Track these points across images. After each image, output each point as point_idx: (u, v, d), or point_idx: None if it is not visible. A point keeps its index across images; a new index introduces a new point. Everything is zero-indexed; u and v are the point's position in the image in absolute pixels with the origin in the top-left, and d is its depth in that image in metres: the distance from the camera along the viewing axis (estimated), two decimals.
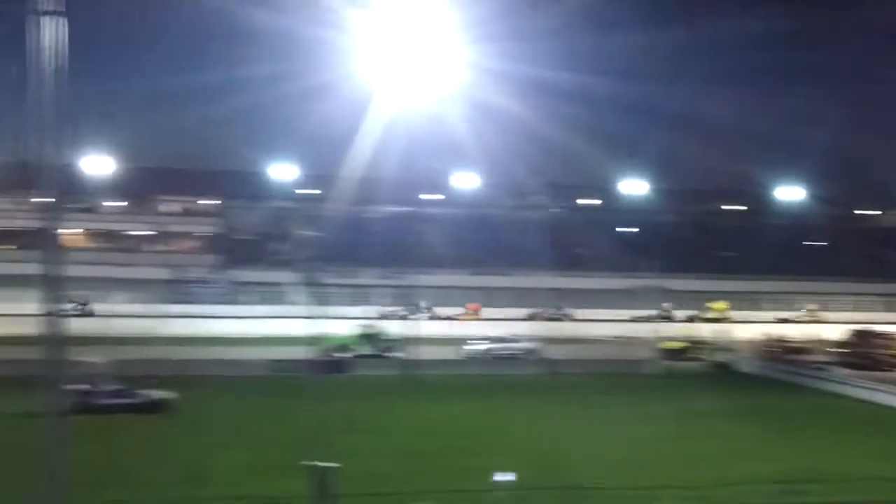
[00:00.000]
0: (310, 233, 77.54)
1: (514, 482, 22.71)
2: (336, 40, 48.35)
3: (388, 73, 48.14)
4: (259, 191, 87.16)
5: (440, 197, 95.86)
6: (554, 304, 74.55)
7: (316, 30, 50.69)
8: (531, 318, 72.31)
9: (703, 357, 57.53)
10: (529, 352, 55.92)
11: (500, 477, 22.65)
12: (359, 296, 70.86)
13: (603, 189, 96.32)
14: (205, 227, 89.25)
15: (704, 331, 64.07)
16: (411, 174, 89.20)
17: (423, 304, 69.33)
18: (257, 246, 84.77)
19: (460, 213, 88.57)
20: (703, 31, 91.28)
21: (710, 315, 74.72)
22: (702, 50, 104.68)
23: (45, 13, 15.37)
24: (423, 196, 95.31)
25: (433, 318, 68.42)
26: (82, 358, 34.70)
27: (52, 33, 15.34)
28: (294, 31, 54.20)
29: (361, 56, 47.61)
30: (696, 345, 59.02)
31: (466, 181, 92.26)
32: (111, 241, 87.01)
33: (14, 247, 79.02)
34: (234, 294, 72.18)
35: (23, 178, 64.95)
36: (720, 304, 76.16)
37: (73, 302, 62.89)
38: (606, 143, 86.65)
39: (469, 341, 56.52)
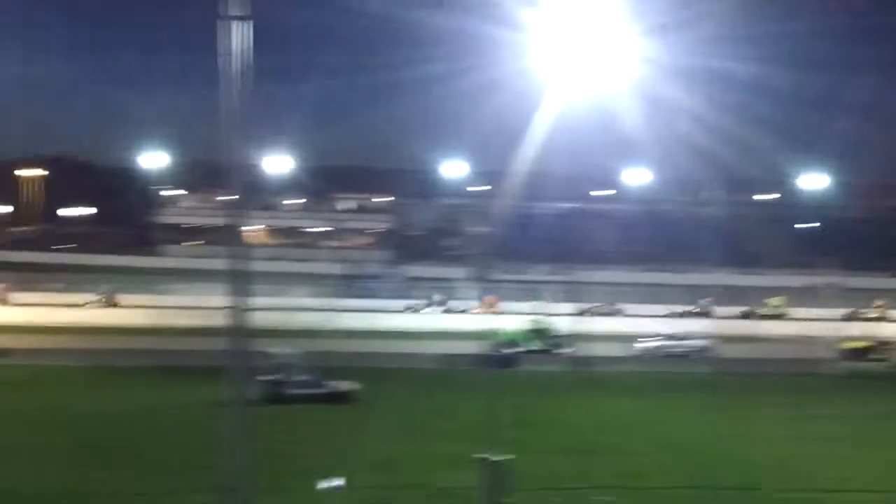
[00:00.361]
0: (480, 229, 78.17)
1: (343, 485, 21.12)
2: (507, 36, 48.43)
3: (560, 68, 47.83)
4: (431, 187, 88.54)
5: (611, 193, 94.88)
6: (606, 300, 71.49)
7: (487, 27, 50.94)
8: (582, 313, 69.70)
9: (889, 357, 54.68)
10: (703, 349, 54.55)
11: (325, 484, 21.39)
12: (529, 292, 70.83)
13: (781, 183, 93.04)
14: (378, 224, 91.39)
15: (891, 330, 60.75)
16: (582, 170, 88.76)
17: (437, 297, 69.42)
18: (429, 242, 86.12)
19: (632, 209, 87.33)
20: (887, 17, 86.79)
21: (765, 311, 71.04)
22: (887, 37, 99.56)
23: (233, 18, 15.97)
24: (593, 192, 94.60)
25: (448, 311, 68.67)
26: (274, 349, 36.18)
27: (238, 37, 15.92)
28: (465, 29, 54.68)
29: (533, 51, 47.53)
30: (882, 345, 56.11)
31: (638, 177, 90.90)
32: (290, 238, 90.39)
33: (202, 242, 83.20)
34: (406, 289, 73.38)
35: (211, 178, 68.38)
36: (776, 300, 72.30)
37: (101, 294, 65.93)
38: (785, 136, 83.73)
39: (640, 338, 55.66)
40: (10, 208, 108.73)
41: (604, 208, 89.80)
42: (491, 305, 68.92)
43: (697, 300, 70.89)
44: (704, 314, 69.34)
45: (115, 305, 64.65)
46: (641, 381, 45.72)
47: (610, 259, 76.86)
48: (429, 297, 69.07)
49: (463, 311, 67.22)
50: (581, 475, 26.55)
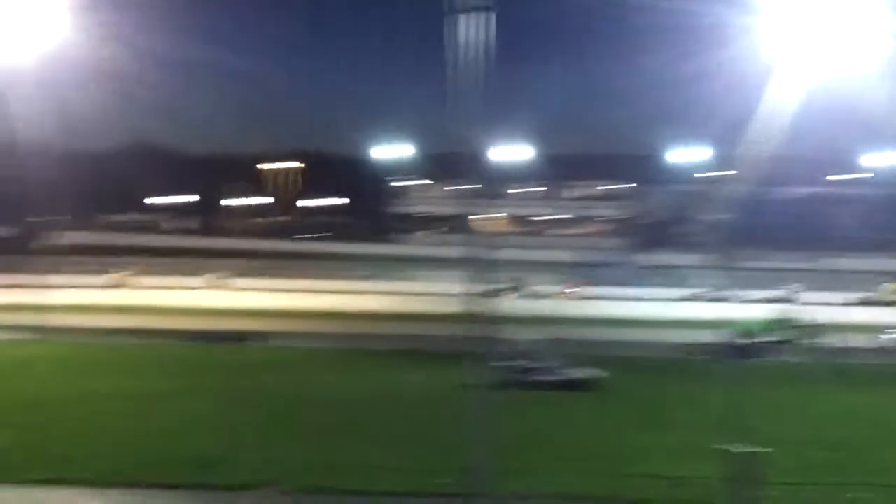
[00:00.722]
0: (716, 215, 76.12)
1: None
2: (742, 17, 47.02)
3: (798, 48, 46.00)
4: (665, 173, 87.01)
5: (855, 176, 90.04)
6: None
7: (721, 7, 49.43)
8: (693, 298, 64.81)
9: None
10: None
11: None
12: (769, 280, 68.39)
13: None
14: (611, 211, 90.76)
15: None
16: (823, 153, 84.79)
17: (512, 282, 67.51)
18: (663, 229, 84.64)
19: (878, 193, 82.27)
20: None
21: (886, 298, 64.00)
22: None
23: (473, 9, 16.36)
24: (835, 176, 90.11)
25: (530, 296, 66.93)
26: (515, 335, 36.85)
27: (477, 28, 16.26)
28: (698, 11, 53.19)
29: (770, 32, 45.90)
30: None
31: (885, 160, 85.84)
32: (525, 226, 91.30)
33: (442, 231, 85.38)
34: (640, 277, 72.51)
35: (451, 168, 69.93)
36: (893, 286, 64.81)
37: (216, 281, 68.52)
38: None
39: (888, 329, 52.54)
40: (265, 200, 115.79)
41: (848, 192, 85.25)
42: (568, 292, 67.65)
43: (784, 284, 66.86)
44: (789, 300, 64.89)
45: (225, 289, 68.48)
46: (891, 374, 43.32)
47: (856, 246, 72.89)
48: (505, 282, 69.03)
49: (542, 297, 66.71)
50: (827, 470, 25.66)
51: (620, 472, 24.42)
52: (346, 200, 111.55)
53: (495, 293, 67.44)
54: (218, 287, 68.50)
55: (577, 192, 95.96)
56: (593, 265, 75.05)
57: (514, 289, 68.63)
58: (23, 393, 34.23)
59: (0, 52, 51.43)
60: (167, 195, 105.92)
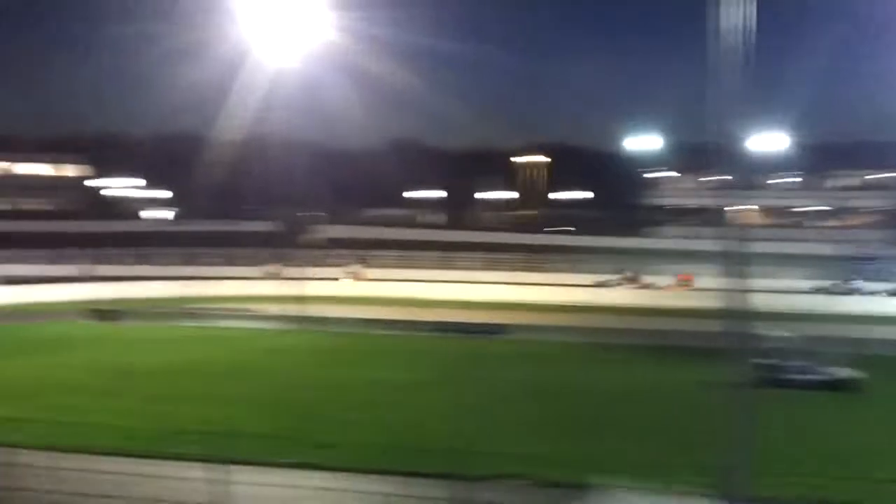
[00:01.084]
0: None
1: None
2: None
3: None
4: None
5: None
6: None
7: None
8: None
9: None
10: None
11: None
12: None
13: None
14: (878, 202, 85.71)
15: None
16: None
17: (628, 272, 65.41)
18: None
19: None
20: None
21: None
22: None
23: None
24: None
25: (640, 287, 63.46)
26: (769, 332, 35.34)
27: (739, 11, 15.59)
28: None
29: None
30: None
31: None
32: (783, 218, 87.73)
33: (693, 224, 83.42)
34: None
35: (701, 159, 68.24)
36: None
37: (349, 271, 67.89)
38: None
39: None
40: (514, 194, 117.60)
41: None
42: (686, 283, 62.94)
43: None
44: None
45: (363, 279, 70.03)
46: None
47: None
48: (620, 271, 66.14)
49: (657, 289, 63.97)
50: None
51: (888, 479, 22.83)
52: (593, 193, 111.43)
53: (606, 285, 67.70)
54: (466, 280, 69.82)
55: (840, 182, 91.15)
56: (855, 259, 71.30)
57: (629, 280, 66.86)
58: (285, 381, 36.15)
59: (268, 54, 54.97)
60: (424, 190, 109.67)
